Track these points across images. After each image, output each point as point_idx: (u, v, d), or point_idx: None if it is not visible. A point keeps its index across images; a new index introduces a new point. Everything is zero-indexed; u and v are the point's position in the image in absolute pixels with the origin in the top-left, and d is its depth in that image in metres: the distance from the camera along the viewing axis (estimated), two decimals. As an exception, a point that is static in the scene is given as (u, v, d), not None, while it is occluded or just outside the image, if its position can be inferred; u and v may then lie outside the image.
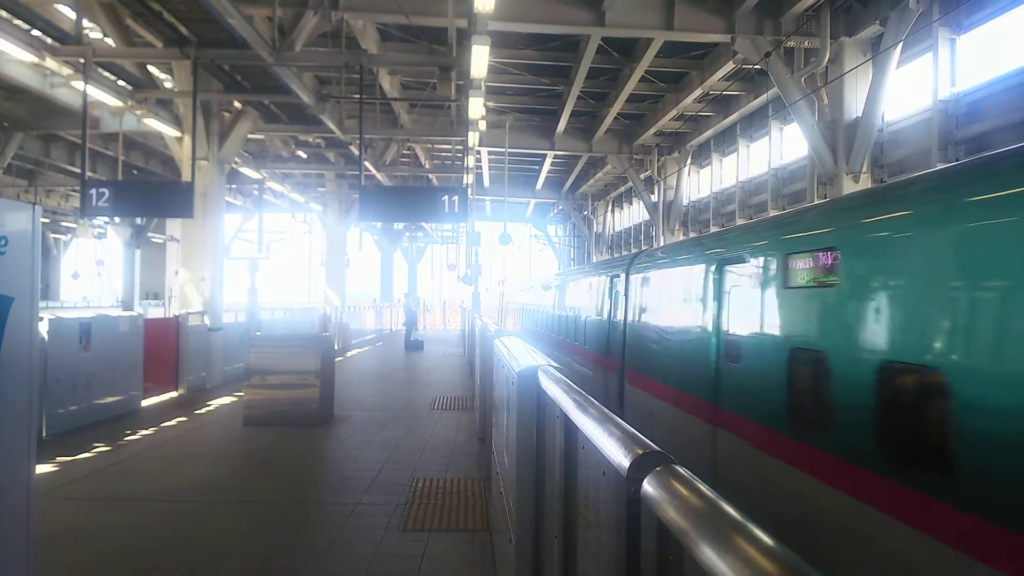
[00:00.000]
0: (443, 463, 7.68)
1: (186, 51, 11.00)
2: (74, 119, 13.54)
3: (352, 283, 30.57)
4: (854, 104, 11.94)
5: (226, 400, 11.86)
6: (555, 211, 40.35)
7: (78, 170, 12.38)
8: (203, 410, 11.01)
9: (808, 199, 14.19)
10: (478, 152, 21.40)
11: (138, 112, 12.33)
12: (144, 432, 9.18)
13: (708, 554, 0.94)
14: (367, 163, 17.74)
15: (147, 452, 8.12)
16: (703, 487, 1.14)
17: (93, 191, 10.48)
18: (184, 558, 4.94)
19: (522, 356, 3.54)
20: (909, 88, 11.76)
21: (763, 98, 15.81)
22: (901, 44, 10.76)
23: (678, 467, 1.28)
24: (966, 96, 10.29)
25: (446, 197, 10.74)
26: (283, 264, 40.04)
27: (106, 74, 11.97)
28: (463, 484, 6.80)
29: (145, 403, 11.19)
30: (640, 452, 1.39)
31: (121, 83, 12.41)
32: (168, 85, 14.10)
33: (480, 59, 9.32)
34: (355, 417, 10.37)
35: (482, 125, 13.40)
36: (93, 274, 40.31)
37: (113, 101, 11.75)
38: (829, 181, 12.40)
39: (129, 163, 20.56)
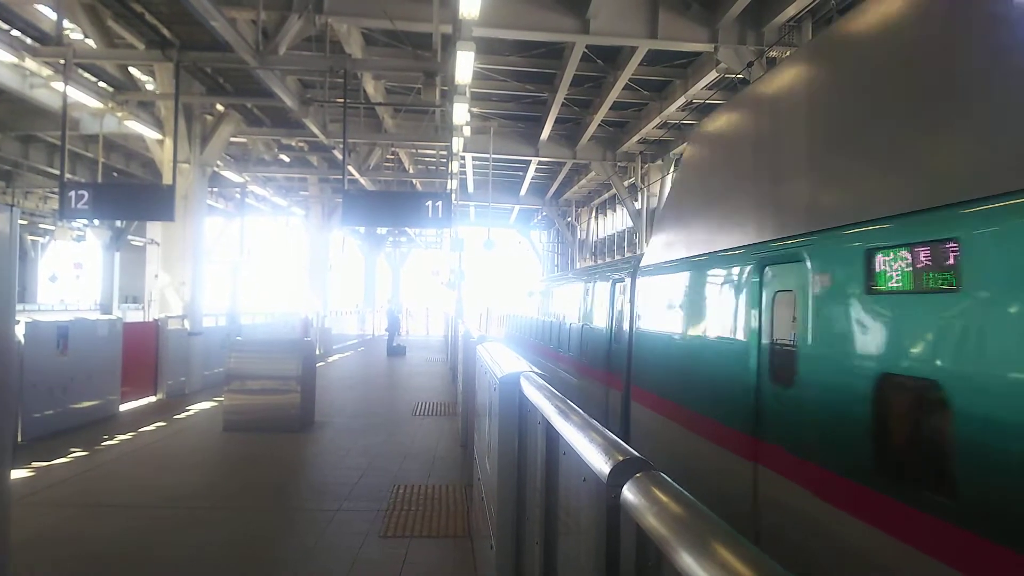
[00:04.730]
0: (424, 469, 7.64)
1: (168, 53, 10.91)
2: (53, 120, 13.38)
3: (335, 288, 30.41)
4: (834, 114, 12.10)
5: (206, 405, 11.73)
6: (539, 217, 40.44)
7: (57, 172, 12.21)
8: (182, 415, 10.87)
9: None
10: (462, 157, 21.43)
11: (119, 114, 12.20)
12: (122, 437, 9.04)
13: (687, 561, 0.94)
14: (350, 167, 17.69)
15: (124, 458, 8.00)
16: (683, 493, 1.14)
17: (72, 193, 10.34)
18: (160, 565, 4.87)
19: (505, 362, 3.54)
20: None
21: (745, 107, 15.98)
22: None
23: (658, 473, 1.28)
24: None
25: (430, 202, 10.73)
26: (265, 268, 39.70)
27: (87, 75, 11.84)
28: (445, 491, 6.77)
29: (123, 408, 11.03)
30: (620, 458, 1.39)
31: (102, 85, 12.28)
32: (150, 87, 13.97)
33: (465, 65, 9.33)
34: (336, 423, 10.30)
35: (466, 131, 13.43)
36: (71, 277, 39.71)
37: (93, 103, 11.62)
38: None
39: (109, 165, 20.33)
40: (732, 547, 0.90)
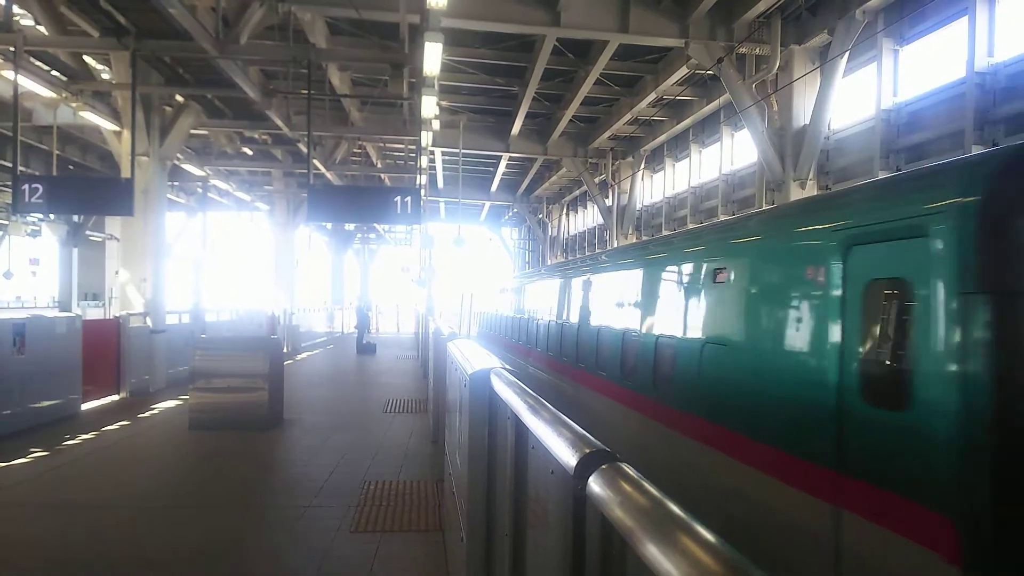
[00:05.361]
0: (396, 465, 7.58)
1: (124, 41, 10.58)
2: (5, 111, 12.91)
3: (303, 285, 30.00)
4: (802, 112, 12.29)
5: (171, 404, 11.49)
6: (510, 214, 40.43)
7: (9, 164, 11.80)
8: (146, 414, 10.63)
9: (757, 205, 14.53)
10: (431, 152, 21.29)
11: (73, 104, 11.82)
12: (84, 436, 8.82)
13: (650, 548, 0.95)
14: (316, 161, 17.43)
15: (87, 457, 7.80)
16: (648, 485, 1.16)
17: (26, 187, 10.04)
18: (125, 566, 4.74)
19: (475, 359, 3.53)
20: (854, 97, 12.16)
21: (715, 104, 16.16)
22: (848, 54, 11.12)
23: (624, 465, 1.29)
24: (907, 106, 10.69)
25: (398, 198, 10.60)
26: (230, 265, 39.01)
27: (39, 64, 11.46)
28: (416, 486, 6.73)
29: (85, 407, 10.76)
30: (587, 451, 1.41)
31: (55, 73, 11.89)
32: (105, 77, 13.57)
33: (433, 57, 9.24)
34: (305, 421, 10.16)
35: (435, 125, 13.33)
36: (27, 273, 38.56)
37: (46, 92, 11.25)
38: (777, 187, 12.73)
39: (65, 158, 19.72)
40: (692, 535, 0.92)
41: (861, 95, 11.87)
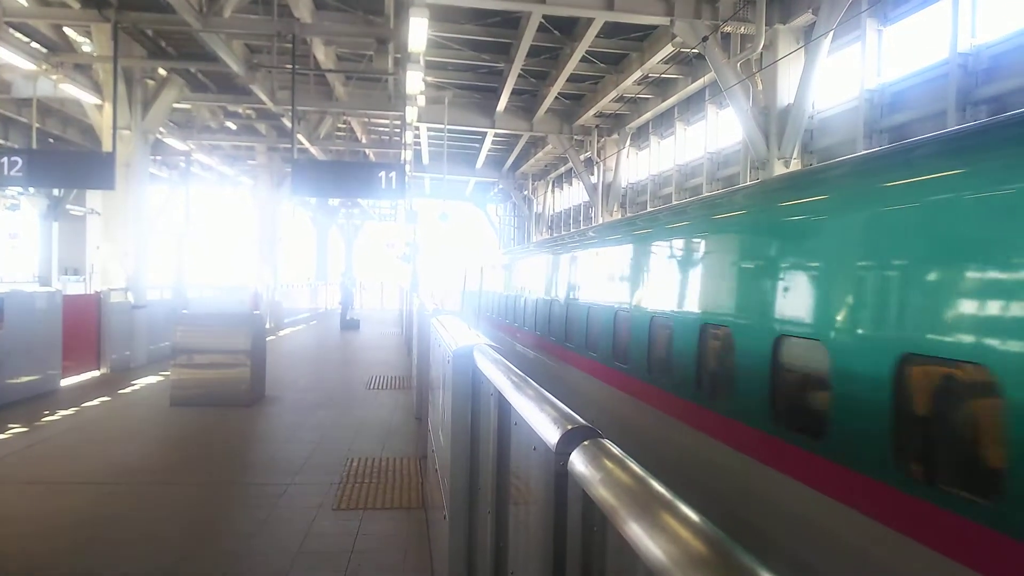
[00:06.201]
0: (379, 442, 7.63)
1: (105, 13, 10.36)
2: (-19, 82, 12.64)
3: (287, 261, 29.76)
4: (787, 91, 12.28)
5: (152, 380, 11.44)
6: (495, 190, 40.22)
7: (-13, 137, 11.62)
8: (127, 390, 10.59)
9: (741, 183, 14.58)
10: (416, 128, 21.08)
11: (54, 77, 11.58)
12: (64, 412, 8.77)
13: (633, 527, 0.95)
14: (300, 136, 17.23)
15: (67, 433, 7.77)
16: (630, 462, 1.15)
17: (5, 160, 9.93)
18: (106, 542, 4.76)
19: (458, 335, 3.54)
20: (839, 77, 12.18)
21: (700, 82, 16.10)
22: (832, 33, 11.11)
23: (605, 441, 1.29)
24: (890, 86, 10.74)
25: (383, 173, 10.55)
26: (213, 239, 38.56)
27: (18, 35, 11.19)
28: (399, 463, 6.78)
29: (65, 383, 10.69)
30: (569, 427, 1.40)
31: (35, 45, 11.62)
32: (87, 49, 13.27)
33: (418, 32, 9.13)
34: (288, 397, 10.17)
35: (421, 100, 13.19)
36: (6, 247, 37.88)
37: (26, 64, 11.00)
38: (761, 166, 12.76)
39: (45, 131, 19.34)
40: (674, 513, 0.92)
41: (845, 75, 11.90)
